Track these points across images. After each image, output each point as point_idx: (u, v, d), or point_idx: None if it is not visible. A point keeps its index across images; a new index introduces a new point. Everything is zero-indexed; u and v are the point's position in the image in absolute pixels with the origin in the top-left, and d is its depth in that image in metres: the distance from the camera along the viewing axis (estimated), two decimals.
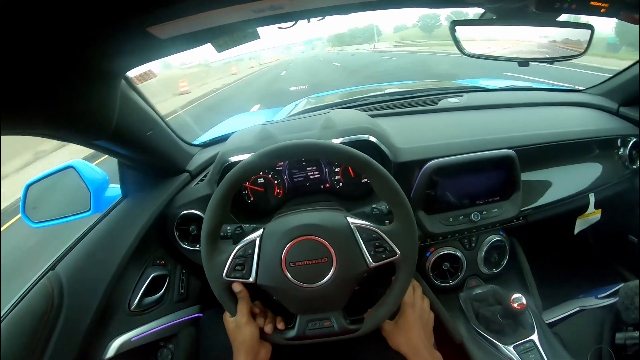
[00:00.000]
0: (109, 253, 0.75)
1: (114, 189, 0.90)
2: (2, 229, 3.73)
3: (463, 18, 0.68)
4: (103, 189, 0.89)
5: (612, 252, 1.30)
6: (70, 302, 0.67)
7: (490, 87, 1.34)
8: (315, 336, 0.64)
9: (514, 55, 0.70)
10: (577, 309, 1.04)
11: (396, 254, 0.62)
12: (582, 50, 0.74)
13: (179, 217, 0.85)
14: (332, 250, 0.61)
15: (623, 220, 1.17)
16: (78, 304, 0.68)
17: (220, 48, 0.66)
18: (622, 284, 0.97)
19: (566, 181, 1.02)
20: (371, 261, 0.62)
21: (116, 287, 0.74)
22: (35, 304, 0.65)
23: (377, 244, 0.62)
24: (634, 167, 1.09)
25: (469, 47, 0.66)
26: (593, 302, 1.06)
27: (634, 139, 1.07)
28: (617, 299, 0.96)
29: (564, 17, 0.70)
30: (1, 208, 4.00)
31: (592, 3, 0.62)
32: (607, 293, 1.08)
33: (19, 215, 0.91)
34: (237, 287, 0.66)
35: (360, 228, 0.63)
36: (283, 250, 0.61)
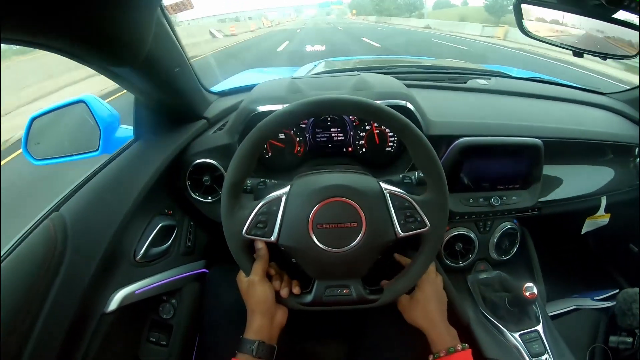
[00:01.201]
0: (117, 198, 0.70)
1: (125, 130, 0.84)
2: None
3: None
4: (114, 128, 0.83)
5: (610, 257, 1.32)
6: (73, 248, 0.62)
7: (516, 75, 1.32)
8: (332, 303, 0.62)
9: (572, 44, 0.67)
10: (573, 307, 1.06)
11: (426, 225, 0.60)
12: (636, 52, 0.73)
13: (192, 165, 0.80)
14: (362, 214, 0.58)
15: (626, 228, 1.19)
16: (82, 250, 0.63)
17: None
18: (618, 290, 0.99)
19: (579, 180, 1.02)
20: (400, 231, 0.59)
21: (122, 235, 0.70)
22: (36, 248, 0.60)
23: (408, 214, 0.60)
24: None
25: (530, 26, 0.63)
26: (589, 303, 1.09)
27: None
28: (612, 303, 0.99)
29: (620, 15, 0.69)
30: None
31: None
32: (603, 297, 1.10)
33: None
34: (259, 245, 0.63)
35: (392, 195, 0.60)
36: (312, 210, 0.58)
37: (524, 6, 0.63)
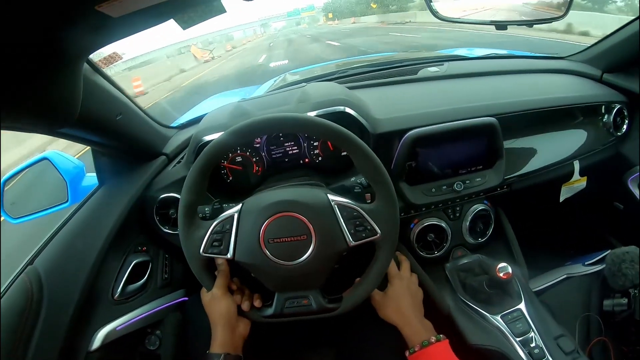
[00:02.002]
0: (87, 243, 0.74)
1: (92, 178, 0.88)
2: None
3: None
4: (79, 178, 0.87)
5: (598, 219, 1.30)
6: (50, 295, 0.66)
7: (471, 56, 1.32)
8: (293, 314, 0.64)
9: (492, 18, 0.68)
10: (564, 276, 1.04)
11: (377, 233, 0.61)
12: (562, 13, 0.73)
13: (158, 201, 0.83)
14: (311, 227, 0.60)
15: (608, 188, 1.17)
16: (58, 297, 0.67)
17: (185, 24, 0.63)
18: (608, 251, 0.97)
19: (550, 149, 1.01)
20: (351, 240, 0.61)
21: (97, 277, 0.73)
22: (14, 301, 0.64)
23: (357, 223, 0.61)
24: (619, 133, 1.08)
25: (443, 11, 0.64)
26: (580, 269, 1.07)
27: (618, 106, 1.06)
28: (603, 265, 0.97)
29: None
30: None
31: None
32: (594, 260, 1.08)
33: None
34: (219, 260, 0.66)
35: (340, 206, 0.61)
36: (262, 226, 0.60)
37: None
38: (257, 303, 0.66)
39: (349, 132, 0.60)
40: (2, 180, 0.87)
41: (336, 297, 0.65)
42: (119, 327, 0.75)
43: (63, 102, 0.56)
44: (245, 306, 0.65)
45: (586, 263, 1.07)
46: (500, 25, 0.69)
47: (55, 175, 0.86)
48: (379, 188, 0.62)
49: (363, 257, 0.69)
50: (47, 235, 0.77)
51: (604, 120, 1.07)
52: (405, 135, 0.82)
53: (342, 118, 0.67)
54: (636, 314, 0.87)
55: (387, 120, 0.84)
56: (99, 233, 0.75)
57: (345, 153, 0.89)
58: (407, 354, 0.67)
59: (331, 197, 0.62)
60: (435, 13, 0.63)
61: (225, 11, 0.65)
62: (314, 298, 0.63)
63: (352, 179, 0.72)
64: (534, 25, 0.73)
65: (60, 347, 0.65)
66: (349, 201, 0.62)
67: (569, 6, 0.72)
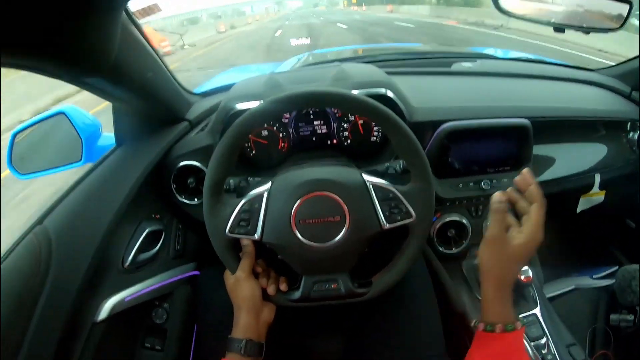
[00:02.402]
0: (101, 206, 0.70)
1: (108, 137, 0.84)
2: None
3: None
4: (95, 137, 0.83)
5: (608, 234, 1.31)
6: (59, 260, 0.62)
7: (502, 56, 1.30)
8: (320, 298, 0.62)
9: (551, 19, 0.66)
10: (573, 287, 1.05)
11: (411, 216, 0.59)
12: (620, 25, 0.72)
13: (176, 168, 0.79)
14: (345, 208, 0.57)
15: (623, 204, 1.17)
16: (68, 262, 0.63)
17: None
18: (618, 267, 0.98)
19: (572, 159, 1.01)
20: (385, 222, 0.59)
21: (109, 243, 0.69)
22: (21, 262, 0.60)
23: (392, 205, 0.59)
24: None
25: (506, 4, 0.62)
26: (588, 282, 1.08)
27: None
28: (612, 280, 0.98)
29: None
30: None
31: None
32: (602, 274, 1.09)
33: None
34: (245, 242, 0.62)
35: (376, 186, 0.59)
36: (293, 206, 0.57)
37: None
38: (283, 287, 0.63)
39: (394, 114, 0.58)
40: (13, 132, 0.83)
41: (365, 281, 0.63)
42: (128, 298, 0.72)
43: (98, 49, 0.52)
44: (271, 290, 0.62)
45: (594, 276, 1.09)
46: (559, 28, 0.68)
47: (70, 131, 0.81)
48: (416, 170, 0.60)
49: (392, 242, 0.67)
50: (59, 194, 0.73)
51: (628, 136, 1.07)
52: (441, 127, 0.80)
53: (381, 100, 0.64)
54: None
55: (423, 110, 0.82)
56: (115, 196, 0.71)
57: (374, 139, 0.87)
58: (480, 326, 0.55)
59: (366, 177, 0.60)
60: (498, 6, 0.61)
61: None
62: (343, 282, 0.61)
63: (386, 164, 0.70)
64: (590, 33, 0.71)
65: (65, 317, 0.61)
66: (385, 182, 0.60)
67: (625, 20, 0.71)
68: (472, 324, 0.58)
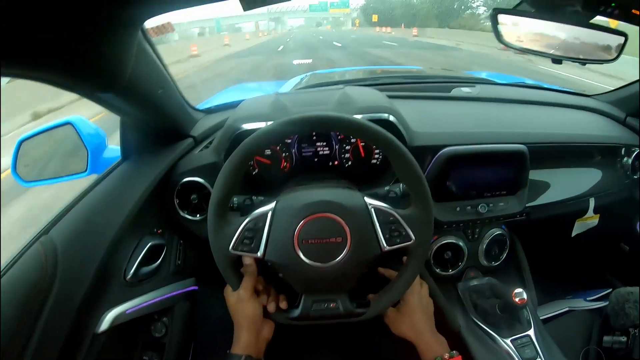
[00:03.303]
0: (106, 218, 0.71)
1: (113, 150, 0.85)
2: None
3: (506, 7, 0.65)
4: (101, 149, 0.84)
5: (602, 258, 1.33)
6: (64, 270, 0.62)
7: (501, 82, 1.33)
8: (319, 317, 0.63)
9: (550, 51, 0.69)
10: (567, 309, 1.07)
11: (411, 239, 0.60)
12: (615, 56, 0.74)
13: (180, 184, 0.81)
14: (347, 229, 0.59)
15: (617, 228, 1.19)
16: (73, 272, 0.64)
17: (248, 5, 0.62)
18: (611, 290, 0.99)
19: (567, 183, 1.03)
20: (385, 244, 0.60)
21: (112, 255, 0.70)
22: (27, 271, 0.60)
23: (392, 228, 0.60)
24: (635, 177, 1.11)
25: (507, 37, 0.64)
26: (582, 304, 1.09)
27: (638, 150, 1.09)
28: (605, 303, 0.99)
29: (598, 20, 0.70)
30: None
31: (633, 11, 0.62)
32: (596, 297, 1.11)
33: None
34: (247, 260, 0.63)
35: (377, 209, 0.61)
36: (297, 226, 0.58)
37: (500, 16, 0.64)
38: (283, 305, 0.64)
39: (392, 136, 0.60)
40: (19, 139, 0.84)
41: (364, 301, 0.64)
42: (129, 310, 0.72)
43: (114, 66, 0.54)
44: (271, 308, 0.63)
45: (588, 299, 1.10)
46: (557, 60, 0.70)
47: (76, 142, 0.83)
48: (416, 195, 0.61)
49: (391, 263, 0.68)
50: (64, 205, 0.73)
51: (622, 162, 1.10)
52: (440, 152, 0.82)
53: (383, 125, 0.66)
54: (634, 353, 0.89)
55: (423, 134, 0.85)
56: (119, 210, 0.72)
57: (374, 161, 0.89)
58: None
59: (368, 200, 0.61)
60: (499, 37, 0.64)
61: None
62: (342, 302, 0.62)
63: (386, 187, 0.71)
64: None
65: (68, 327, 0.62)
66: (386, 205, 0.62)
67: (620, 51, 0.73)
68: None
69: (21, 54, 0.39)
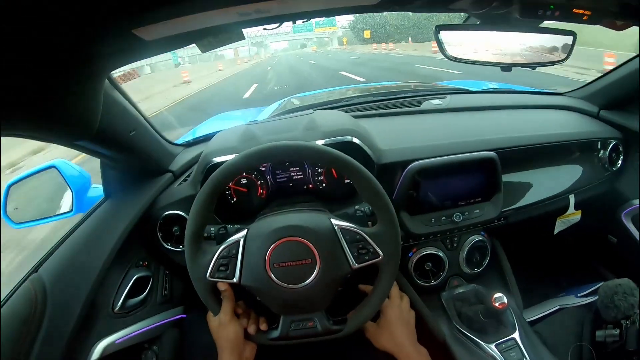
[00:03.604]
0: (92, 255, 0.74)
1: (97, 189, 0.89)
2: None
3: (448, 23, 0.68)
4: (85, 189, 0.88)
5: (591, 252, 1.33)
6: (53, 306, 0.66)
7: (472, 89, 1.36)
8: (298, 337, 0.65)
9: (497, 60, 0.71)
10: (558, 307, 1.06)
11: (379, 255, 0.63)
12: (565, 57, 0.76)
13: (162, 217, 0.84)
14: (315, 251, 0.61)
15: (603, 221, 1.20)
16: (61, 307, 0.67)
17: (204, 48, 0.66)
18: (601, 283, 1.00)
19: (547, 183, 1.04)
20: (354, 262, 0.62)
21: (99, 289, 0.73)
22: (18, 309, 0.64)
23: (360, 246, 0.63)
24: (614, 169, 1.12)
25: (453, 51, 0.67)
26: (573, 300, 1.09)
27: (614, 142, 1.10)
28: (596, 297, 0.99)
29: (546, 23, 0.72)
30: None
31: (574, 11, 0.64)
32: (587, 292, 1.10)
33: None
34: (222, 286, 0.66)
35: (343, 230, 0.63)
36: (267, 251, 0.61)
37: (442, 32, 0.67)
38: (263, 326, 0.67)
39: (352, 159, 0.62)
40: (7, 184, 0.88)
41: (341, 318, 0.66)
42: (118, 341, 0.75)
43: (84, 115, 0.58)
44: (251, 329, 0.66)
45: (579, 295, 1.10)
46: (506, 67, 0.72)
47: (61, 183, 0.86)
48: (380, 212, 0.64)
49: (367, 279, 0.70)
50: (51, 245, 0.77)
51: (599, 155, 1.11)
52: (408, 167, 0.85)
53: (348, 147, 0.69)
54: (628, 344, 0.89)
55: (391, 151, 0.87)
56: (104, 246, 0.75)
57: (348, 181, 0.91)
58: None
59: (334, 221, 0.64)
60: (445, 53, 0.66)
61: (244, 38, 0.68)
62: (319, 320, 0.64)
63: (356, 206, 0.74)
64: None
65: (59, 359, 0.65)
66: (352, 225, 0.64)
67: (570, 51, 0.75)
68: None
69: None
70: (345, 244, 0.62)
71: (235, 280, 0.62)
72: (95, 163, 0.87)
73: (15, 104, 0.45)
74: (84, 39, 0.44)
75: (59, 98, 0.51)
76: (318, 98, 1.53)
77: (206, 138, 1.02)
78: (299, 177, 0.92)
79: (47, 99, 0.49)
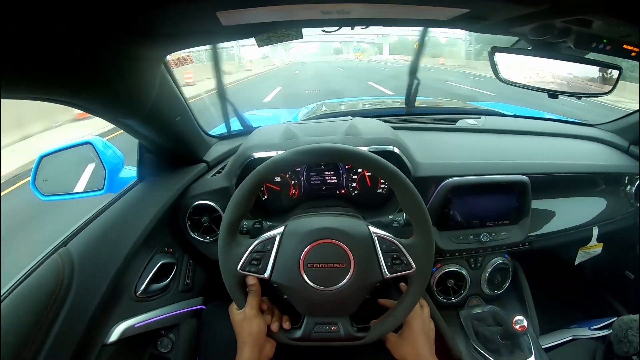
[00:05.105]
0: (122, 235, 0.74)
1: (128, 171, 0.89)
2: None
3: (504, 46, 0.69)
4: (118, 169, 0.88)
5: (607, 285, 1.32)
6: (79, 282, 0.66)
7: (506, 113, 1.36)
8: (320, 339, 0.64)
9: (546, 87, 0.71)
10: (571, 337, 1.06)
11: (412, 267, 0.62)
12: (609, 89, 0.76)
13: (192, 206, 0.84)
14: (351, 256, 0.61)
15: (622, 256, 1.19)
16: (87, 285, 0.67)
17: (262, 42, 0.66)
18: (615, 318, 0.99)
19: (571, 212, 1.04)
20: (387, 272, 0.62)
21: (125, 271, 0.73)
22: (44, 280, 0.64)
23: (394, 256, 0.62)
24: (638, 205, 1.11)
25: (505, 74, 0.67)
26: (586, 332, 1.08)
27: None
28: (609, 331, 0.99)
29: (591, 55, 0.73)
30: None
31: (624, 46, 0.64)
32: (600, 325, 1.10)
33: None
34: (251, 280, 0.66)
35: (380, 238, 0.63)
36: (303, 250, 0.61)
37: (497, 54, 0.67)
38: (286, 325, 0.66)
39: (399, 170, 0.62)
40: (40, 155, 0.88)
41: (364, 326, 0.66)
42: (137, 325, 0.75)
43: (139, 95, 0.58)
44: (274, 327, 0.66)
45: (592, 327, 1.09)
46: (553, 95, 0.73)
47: (94, 161, 0.87)
48: (419, 225, 0.63)
49: (392, 290, 0.70)
50: (81, 220, 0.77)
51: (626, 190, 1.11)
52: (443, 183, 0.85)
53: (388, 157, 0.69)
54: None
55: (427, 165, 0.87)
56: (134, 228, 0.75)
57: (380, 190, 0.91)
58: None
59: (372, 229, 0.64)
60: (498, 75, 0.67)
61: (301, 37, 0.69)
62: (343, 325, 0.64)
63: (390, 216, 0.74)
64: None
65: (79, 336, 0.64)
66: (389, 234, 0.64)
67: (615, 84, 0.75)
68: None
69: (62, 83, 0.43)
70: (380, 253, 0.62)
71: (265, 275, 0.62)
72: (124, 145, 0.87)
73: (78, 76, 0.45)
74: (166, 16, 0.44)
75: (122, 74, 0.51)
76: (351, 106, 1.53)
77: (241, 132, 1.02)
78: (332, 181, 0.92)
79: (108, 75, 0.49)
